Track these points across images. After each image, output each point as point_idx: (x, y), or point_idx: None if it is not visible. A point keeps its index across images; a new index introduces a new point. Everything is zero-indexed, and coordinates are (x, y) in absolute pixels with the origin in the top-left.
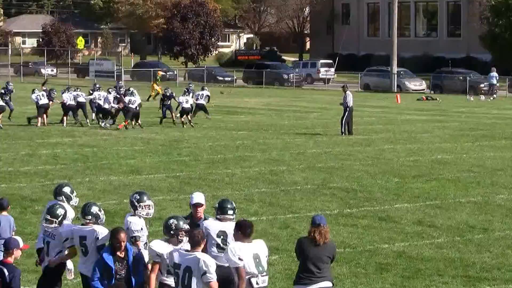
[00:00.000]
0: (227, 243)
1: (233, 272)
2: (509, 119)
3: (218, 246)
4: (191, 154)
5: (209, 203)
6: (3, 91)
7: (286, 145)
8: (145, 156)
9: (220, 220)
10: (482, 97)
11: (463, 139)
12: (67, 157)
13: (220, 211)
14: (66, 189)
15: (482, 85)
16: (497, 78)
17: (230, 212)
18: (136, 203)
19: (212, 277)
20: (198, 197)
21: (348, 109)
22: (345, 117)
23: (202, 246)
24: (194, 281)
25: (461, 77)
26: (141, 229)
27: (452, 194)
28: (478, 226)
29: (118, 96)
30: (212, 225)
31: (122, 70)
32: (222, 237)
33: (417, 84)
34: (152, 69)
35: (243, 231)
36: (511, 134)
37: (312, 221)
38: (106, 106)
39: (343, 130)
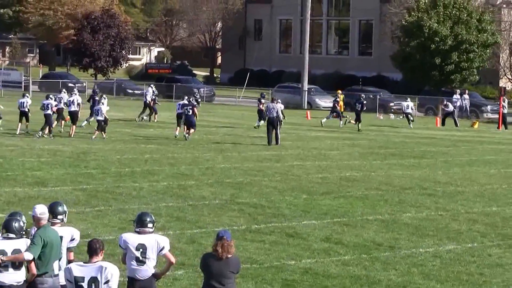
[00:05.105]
0: (147, 256)
1: None
2: (418, 138)
3: (137, 259)
4: (99, 167)
5: (115, 217)
6: None
7: (195, 159)
8: (52, 168)
9: (139, 233)
10: (392, 116)
11: (372, 157)
12: None
13: (140, 224)
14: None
15: (391, 104)
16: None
17: (150, 225)
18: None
19: (113, 285)
20: (40, 209)
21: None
22: None
23: (101, 253)
24: None
25: (372, 96)
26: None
27: (360, 212)
28: (385, 244)
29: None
30: (131, 239)
31: (30, 81)
32: (141, 250)
33: (327, 102)
34: (60, 80)
35: None
36: (419, 153)
37: (216, 235)
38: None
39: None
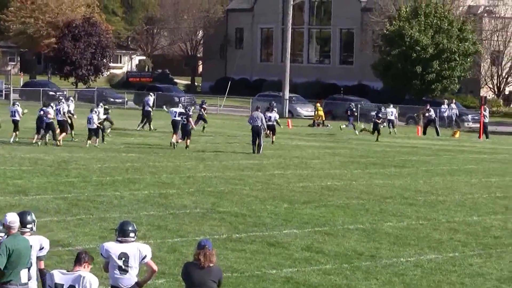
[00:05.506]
0: (129, 265)
1: None
2: (399, 147)
3: (120, 268)
4: (80, 176)
5: (96, 225)
6: None
7: (176, 168)
8: (33, 176)
9: (121, 242)
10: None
11: (353, 166)
12: None
13: (122, 233)
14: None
15: (373, 113)
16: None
17: (132, 234)
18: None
19: None
20: (10, 217)
21: None
22: None
23: (85, 265)
24: None
25: (353, 104)
26: None
27: (341, 221)
28: (366, 253)
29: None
30: (113, 248)
31: (11, 89)
32: (123, 259)
33: (308, 110)
34: (41, 89)
35: None
36: (400, 162)
37: (197, 244)
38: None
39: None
